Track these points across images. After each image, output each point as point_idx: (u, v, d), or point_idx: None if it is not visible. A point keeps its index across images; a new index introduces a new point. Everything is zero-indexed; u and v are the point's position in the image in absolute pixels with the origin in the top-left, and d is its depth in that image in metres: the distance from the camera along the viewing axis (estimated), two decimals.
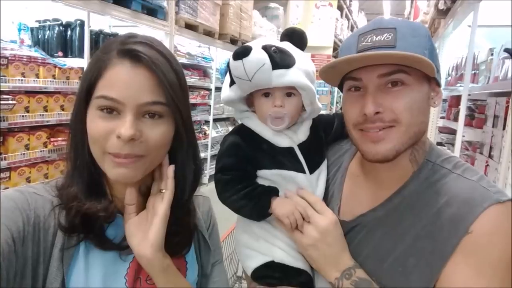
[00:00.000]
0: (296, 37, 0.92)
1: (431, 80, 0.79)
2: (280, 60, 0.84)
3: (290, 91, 0.88)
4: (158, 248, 0.73)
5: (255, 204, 0.87)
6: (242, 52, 0.81)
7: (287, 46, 0.89)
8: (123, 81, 0.69)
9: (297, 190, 0.89)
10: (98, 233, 0.74)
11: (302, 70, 0.86)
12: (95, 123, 0.70)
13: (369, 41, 0.76)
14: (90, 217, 0.72)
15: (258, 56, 0.81)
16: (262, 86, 0.85)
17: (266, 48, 0.83)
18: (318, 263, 0.82)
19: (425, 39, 0.77)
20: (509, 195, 0.74)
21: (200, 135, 5.47)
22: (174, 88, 0.72)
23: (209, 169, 5.61)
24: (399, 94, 0.75)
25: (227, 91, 0.92)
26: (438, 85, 0.81)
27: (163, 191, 0.77)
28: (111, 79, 0.70)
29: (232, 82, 0.90)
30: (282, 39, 0.93)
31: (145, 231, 0.74)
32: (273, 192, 0.89)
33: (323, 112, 1.00)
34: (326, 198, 0.95)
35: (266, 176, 0.91)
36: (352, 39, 0.80)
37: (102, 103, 0.69)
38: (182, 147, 0.79)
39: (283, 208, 0.85)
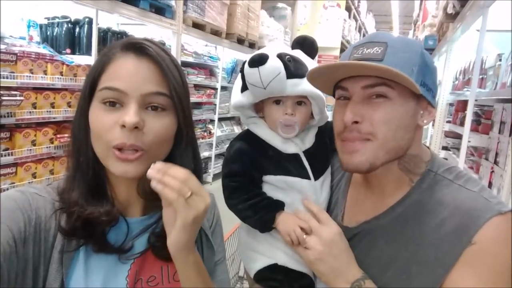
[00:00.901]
0: (307, 45, 0.94)
1: (421, 97, 0.78)
2: (294, 69, 0.85)
3: (301, 100, 0.90)
4: (179, 248, 0.70)
5: (260, 217, 0.88)
6: (258, 60, 0.82)
7: (299, 54, 0.90)
8: (127, 71, 0.70)
9: (302, 200, 0.90)
10: (99, 238, 0.73)
11: None
12: (98, 116, 0.70)
13: (360, 53, 0.78)
14: (92, 221, 0.71)
15: (274, 65, 0.83)
16: (276, 94, 0.87)
17: (281, 57, 0.84)
18: (327, 276, 0.82)
19: (417, 56, 0.76)
20: (510, 206, 0.74)
21: (205, 134, 5.48)
22: (177, 82, 0.73)
23: (214, 167, 5.62)
24: (380, 107, 0.76)
25: (238, 97, 0.93)
26: (431, 104, 0.80)
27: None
28: (114, 71, 0.70)
29: (244, 88, 0.91)
30: (293, 47, 0.94)
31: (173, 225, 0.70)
32: (279, 207, 0.89)
33: (329, 113, 1.01)
34: (330, 205, 0.95)
35: (271, 182, 0.91)
36: (348, 50, 0.82)
37: (106, 95, 0.69)
38: (181, 145, 0.78)
39: (285, 225, 0.86)
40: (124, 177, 0.73)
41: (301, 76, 0.85)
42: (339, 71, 0.78)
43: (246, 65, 0.84)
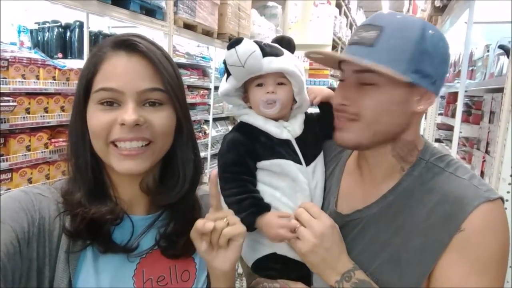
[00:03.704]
0: (285, 42, 1.01)
1: (415, 84, 0.78)
2: (269, 50, 0.92)
3: (281, 81, 0.95)
4: (235, 263, 0.77)
5: (244, 217, 0.89)
6: (235, 42, 0.89)
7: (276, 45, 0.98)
8: (121, 70, 0.70)
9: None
10: (105, 238, 0.73)
11: (290, 59, 0.94)
12: (96, 116, 0.70)
13: (357, 35, 0.80)
14: (96, 221, 0.71)
15: (249, 44, 0.90)
16: (254, 72, 0.92)
17: (256, 41, 0.92)
18: (318, 268, 0.83)
19: (410, 43, 0.76)
20: (499, 193, 0.75)
21: (200, 134, 5.47)
22: (170, 75, 0.74)
23: (210, 168, 5.62)
24: (367, 92, 0.78)
25: (224, 85, 0.99)
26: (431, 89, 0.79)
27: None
28: (108, 71, 0.71)
29: (228, 76, 0.97)
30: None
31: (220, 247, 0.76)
32: (262, 210, 0.91)
33: None
34: (324, 192, 0.98)
35: (266, 167, 0.94)
36: (354, 30, 0.87)
37: (102, 96, 0.70)
38: (182, 137, 0.79)
39: (270, 232, 0.89)
40: (128, 174, 0.73)
41: (276, 55, 0.92)
42: (329, 57, 0.84)
43: (226, 50, 0.91)
